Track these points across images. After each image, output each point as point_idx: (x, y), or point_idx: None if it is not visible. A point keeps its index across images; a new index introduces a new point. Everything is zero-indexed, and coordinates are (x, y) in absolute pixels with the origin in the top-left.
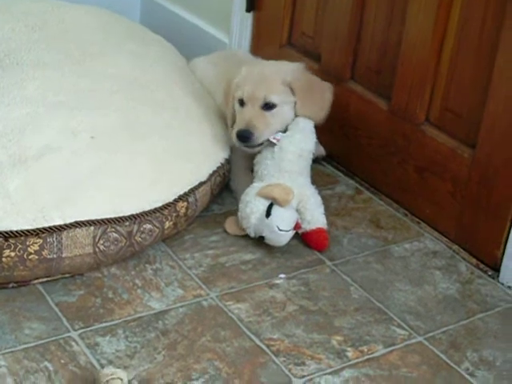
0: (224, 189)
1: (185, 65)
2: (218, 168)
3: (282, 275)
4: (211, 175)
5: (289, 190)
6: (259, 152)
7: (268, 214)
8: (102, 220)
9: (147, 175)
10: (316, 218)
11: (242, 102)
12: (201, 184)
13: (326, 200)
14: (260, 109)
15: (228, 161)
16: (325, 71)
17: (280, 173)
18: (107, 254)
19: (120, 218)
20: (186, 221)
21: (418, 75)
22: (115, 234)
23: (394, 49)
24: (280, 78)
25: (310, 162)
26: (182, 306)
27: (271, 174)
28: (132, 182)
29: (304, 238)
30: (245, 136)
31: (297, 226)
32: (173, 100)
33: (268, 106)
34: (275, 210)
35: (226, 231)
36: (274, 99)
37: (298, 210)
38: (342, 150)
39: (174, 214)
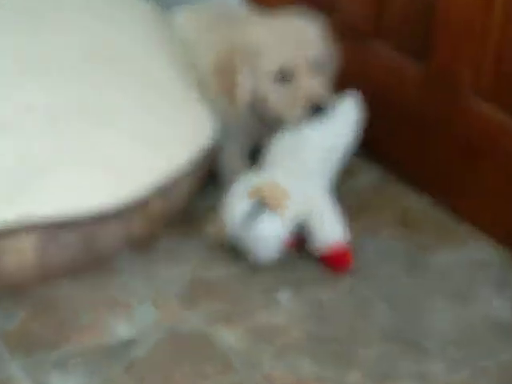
0: (210, 182)
1: (160, 23)
2: (202, 155)
3: (285, 291)
4: (193, 164)
5: (285, 192)
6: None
7: (253, 216)
8: (52, 220)
9: (112, 164)
10: (330, 233)
11: (281, 76)
12: (180, 175)
13: (341, 195)
14: (313, 73)
15: (214, 146)
16: (340, 26)
17: (296, 163)
18: (58, 263)
19: (75, 217)
20: (162, 222)
21: (462, 29)
22: (69, 238)
23: None
24: (310, 29)
25: (341, 161)
26: (155, 332)
27: (282, 165)
28: (92, 172)
29: (320, 258)
30: (320, 112)
31: (292, 243)
32: (146, 74)
33: (320, 66)
34: (262, 214)
35: (207, 233)
36: (324, 56)
37: (305, 226)
38: (363, 132)
39: (146, 214)
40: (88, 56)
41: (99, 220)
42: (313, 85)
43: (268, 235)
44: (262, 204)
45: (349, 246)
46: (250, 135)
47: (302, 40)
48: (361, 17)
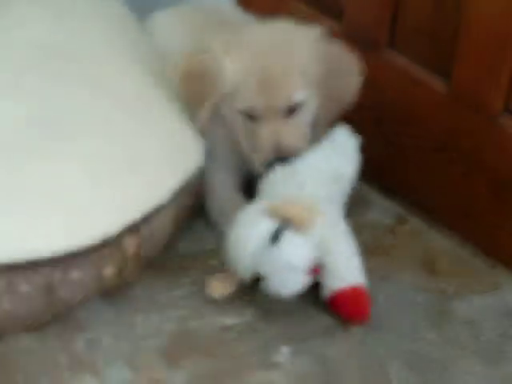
0: (196, 216)
1: (133, 23)
2: (186, 184)
3: (285, 348)
4: (175, 195)
5: (314, 209)
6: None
7: (275, 238)
8: (6, 265)
9: (76, 195)
10: (347, 272)
11: (250, 115)
12: (159, 208)
13: (351, 232)
14: (283, 116)
15: (201, 172)
16: (349, 34)
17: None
18: (15, 315)
19: (33, 261)
20: (137, 265)
21: (493, 40)
22: (26, 287)
23: (455, 0)
24: (296, 60)
25: (346, 192)
26: None
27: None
28: (51, 206)
29: (331, 304)
30: (281, 162)
31: (316, 270)
32: (115, 79)
33: (292, 110)
34: (287, 235)
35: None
36: (299, 96)
37: (318, 259)
38: (376, 157)
39: (119, 255)
40: (46, 55)
41: (61, 265)
42: (279, 132)
43: (294, 261)
44: (285, 224)
45: (366, 291)
46: (243, 164)
47: (278, 79)
48: (373, 24)
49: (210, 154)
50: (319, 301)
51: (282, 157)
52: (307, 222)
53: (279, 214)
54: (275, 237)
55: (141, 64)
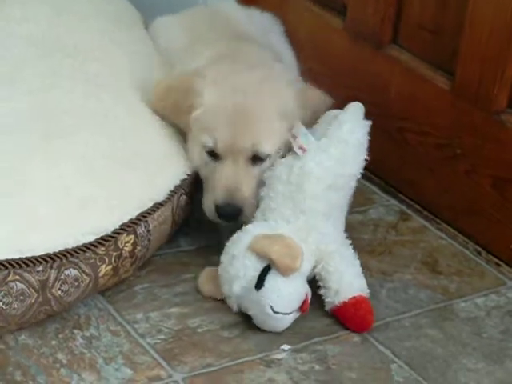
0: (194, 213)
1: (138, 22)
2: (185, 181)
3: (286, 346)
4: (173, 192)
5: (296, 250)
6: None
7: (260, 283)
8: (1, 262)
9: (72, 192)
10: (347, 284)
11: (212, 153)
12: (156, 206)
13: (354, 230)
14: (246, 163)
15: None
16: (352, 31)
17: (293, 211)
18: (9, 314)
19: (27, 259)
20: (134, 264)
21: (496, 37)
22: (20, 285)
23: None
24: (275, 106)
25: (349, 193)
26: None
27: (280, 212)
28: (46, 202)
29: (335, 315)
30: (229, 213)
31: (304, 306)
32: (115, 76)
33: (257, 159)
34: (272, 278)
35: (197, 290)
36: (266, 149)
37: (317, 274)
38: (378, 154)
39: (115, 254)
40: (46, 50)
41: (56, 263)
42: (237, 178)
43: (279, 308)
44: (271, 264)
45: (369, 301)
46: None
47: (247, 120)
48: (376, 21)
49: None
50: (320, 299)
51: (231, 207)
52: (290, 265)
53: (262, 253)
54: (259, 282)
55: (141, 60)
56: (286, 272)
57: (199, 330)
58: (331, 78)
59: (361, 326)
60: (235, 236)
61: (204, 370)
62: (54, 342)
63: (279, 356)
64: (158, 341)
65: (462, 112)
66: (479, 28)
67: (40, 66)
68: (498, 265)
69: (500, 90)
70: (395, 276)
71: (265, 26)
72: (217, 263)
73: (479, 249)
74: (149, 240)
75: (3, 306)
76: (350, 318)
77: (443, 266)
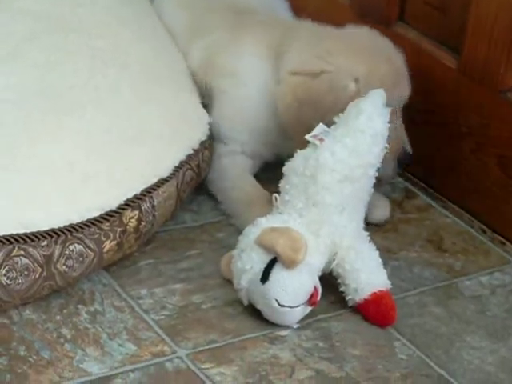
0: (199, 189)
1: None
2: (190, 157)
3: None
4: (178, 168)
5: (299, 243)
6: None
7: (265, 276)
8: (4, 237)
9: (76, 168)
10: (365, 282)
11: None
12: (161, 182)
13: None
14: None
15: (205, 145)
16: (359, 10)
17: (305, 204)
18: (13, 289)
19: (32, 234)
20: (138, 239)
21: (503, 15)
22: (25, 260)
23: None
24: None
25: (368, 184)
26: (133, 370)
27: (293, 205)
28: (51, 178)
29: (359, 311)
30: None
31: (312, 299)
32: (121, 51)
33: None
34: (277, 271)
35: (221, 274)
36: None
37: (334, 271)
38: None
39: (119, 229)
40: (50, 26)
41: (60, 238)
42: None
43: (285, 302)
44: (277, 257)
45: (390, 295)
46: (268, 144)
47: (397, 72)
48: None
49: (225, 136)
50: (325, 276)
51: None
52: (292, 257)
53: (268, 247)
54: (265, 276)
55: (147, 36)
56: (289, 265)
57: (203, 307)
58: None
59: (383, 322)
60: (246, 229)
61: (208, 347)
62: (58, 317)
63: (283, 333)
64: (162, 317)
65: (468, 90)
66: (486, 6)
67: (45, 42)
68: (503, 243)
69: (507, 69)
70: (400, 254)
71: (271, 1)
72: (222, 240)
73: (484, 227)
74: (154, 216)
75: (7, 281)
76: (372, 315)
77: (448, 244)
